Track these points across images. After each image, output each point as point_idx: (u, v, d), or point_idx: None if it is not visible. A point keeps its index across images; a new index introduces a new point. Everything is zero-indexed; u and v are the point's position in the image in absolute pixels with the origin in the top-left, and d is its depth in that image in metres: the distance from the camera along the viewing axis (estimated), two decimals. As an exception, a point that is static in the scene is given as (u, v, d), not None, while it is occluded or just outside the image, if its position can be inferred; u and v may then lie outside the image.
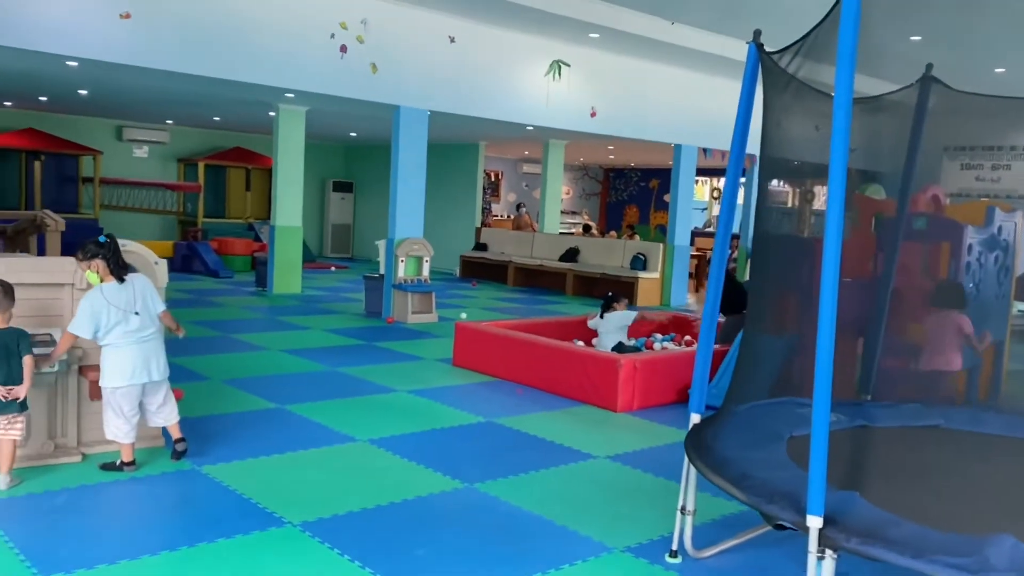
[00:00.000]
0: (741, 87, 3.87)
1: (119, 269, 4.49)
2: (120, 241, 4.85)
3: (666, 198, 23.59)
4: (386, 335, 9.61)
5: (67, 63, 9.32)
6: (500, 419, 6.09)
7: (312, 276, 15.42)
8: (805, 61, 3.59)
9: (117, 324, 4.44)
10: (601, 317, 8.45)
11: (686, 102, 13.91)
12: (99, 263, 4.45)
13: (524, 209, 18.68)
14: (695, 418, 3.92)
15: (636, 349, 8.32)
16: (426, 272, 10.95)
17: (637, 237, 18.43)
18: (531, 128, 13.62)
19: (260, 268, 13.21)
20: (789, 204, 5.06)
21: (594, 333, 8.49)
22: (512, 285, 15.95)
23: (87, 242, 4.54)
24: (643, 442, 5.70)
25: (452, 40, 10.88)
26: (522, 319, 8.65)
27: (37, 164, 16.18)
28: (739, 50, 12.37)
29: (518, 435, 5.72)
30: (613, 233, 19.57)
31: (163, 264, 5.05)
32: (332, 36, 9.86)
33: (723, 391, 7.01)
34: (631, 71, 13.06)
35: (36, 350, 4.38)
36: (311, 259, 18.06)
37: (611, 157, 20.63)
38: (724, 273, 3.95)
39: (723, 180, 4.15)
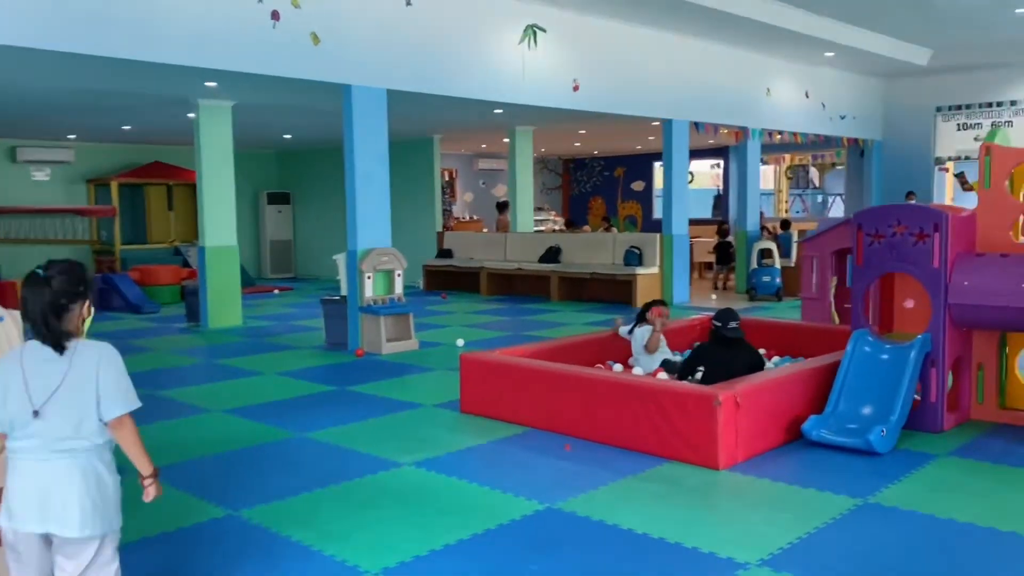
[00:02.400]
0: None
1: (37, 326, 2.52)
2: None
3: (634, 186, 21.89)
4: (360, 374, 7.54)
5: (-92, 52, 7.05)
6: (562, 503, 4.11)
7: (253, 303, 13.20)
8: None
9: (14, 418, 2.50)
10: (630, 332, 6.60)
11: (675, 71, 12.12)
12: None
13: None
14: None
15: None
16: (399, 289, 8.90)
17: (614, 230, 16.63)
18: (500, 112, 11.69)
19: (191, 299, 10.98)
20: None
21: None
22: (486, 294, 13.95)
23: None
24: (800, 524, 3.78)
25: (408, 2, 8.85)
26: (544, 342, 6.68)
27: (-89, 196, 13.60)
28: (739, 2, 10.61)
29: (604, 531, 3.75)
30: (587, 228, 17.74)
31: (11, 320, 2.95)
32: (260, 0, 7.76)
33: (842, 420, 5.19)
34: (616, 36, 11.19)
35: None
36: (249, 283, 15.78)
37: (577, 145, 18.77)
38: None
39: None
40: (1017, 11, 11.42)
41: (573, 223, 17.62)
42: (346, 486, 4.44)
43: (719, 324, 5.59)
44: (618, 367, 6.53)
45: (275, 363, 8.09)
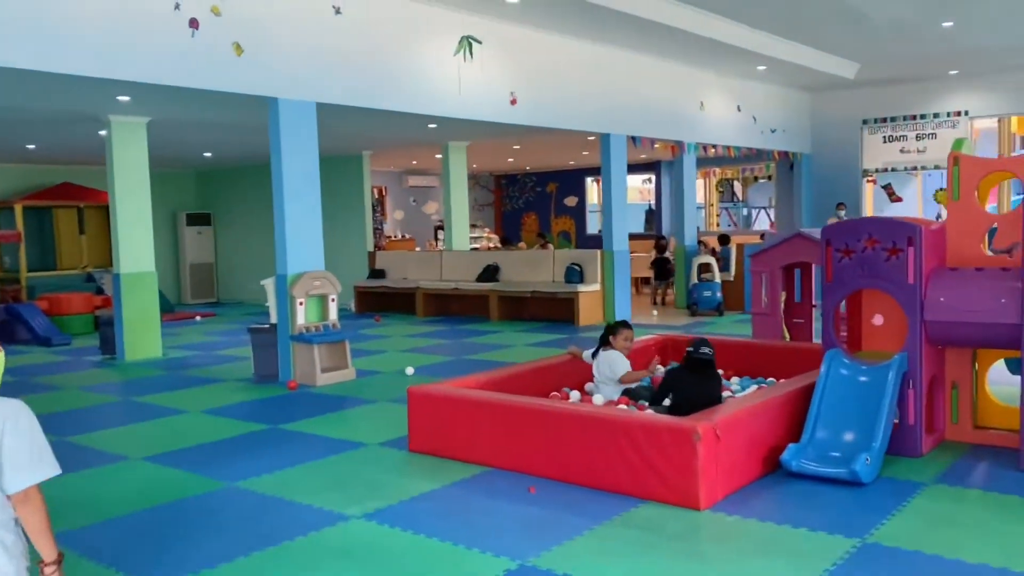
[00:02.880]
0: None
1: None
2: None
3: (567, 201, 21.69)
4: (294, 409, 6.96)
5: None
6: (535, 558, 3.67)
7: (173, 331, 12.41)
8: None
9: None
10: (594, 355, 6.18)
11: (613, 85, 11.89)
12: None
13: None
14: None
15: (648, 392, 6.11)
16: (334, 315, 8.34)
17: (550, 246, 16.35)
18: (434, 126, 11.26)
19: (105, 329, 10.18)
20: None
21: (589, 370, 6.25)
22: (423, 316, 13.45)
23: None
24: (801, 573, 3.41)
25: (337, 11, 8.36)
26: (496, 370, 6.20)
27: None
28: (675, 14, 10.43)
29: (588, 592, 3.33)
30: (522, 244, 17.41)
31: None
32: (177, 7, 7.16)
33: (821, 448, 4.89)
34: (553, 49, 10.90)
35: None
36: (169, 309, 14.92)
37: (510, 160, 18.44)
38: None
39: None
40: (944, 24, 11.56)
41: (508, 240, 17.25)
42: (287, 547, 3.91)
43: (691, 349, 5.25)
44: (575, 394, 6.13)
45: (199, 399, 7.44)
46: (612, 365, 5.99)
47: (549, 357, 6.62)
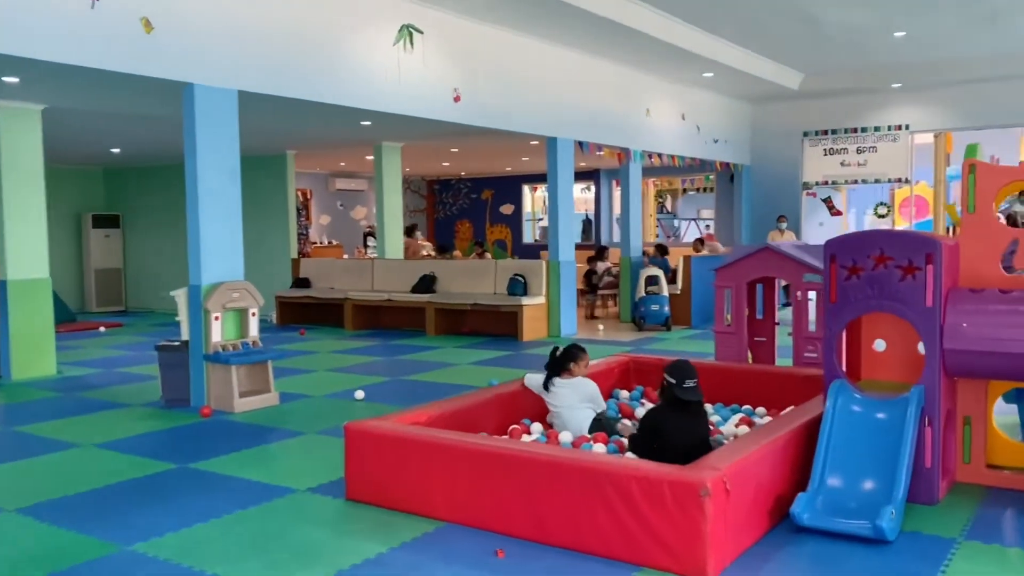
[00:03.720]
0: None
1: None
2: None
3: (503, 209, 20.98)
4: (207, 442, 5.99)
5: None
6: (518, 654, 2.88)
7: (71, 344, 11.18)
8: None
9: None
10: (547, 388, 5.41)
11: (561, 87, 11.24)
12: None
13: (418, 232, 15.08)
14: None
15: (615, 421, 5.42)
16: (254, 331, 7.37)
17: (488, 255, 15.60)
18: (368, 123, 10.38)
19: (-11, 344, 8.96)
20: None
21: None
22: (352, 329, 12.49)
23: None
24: None
25: (264, -11, 7.44)
26: (448, 400, 5.32)
27: None
28: (626, 11, 9.82)
29: None
30: (457, 253, 16.60)
31: None
32: (72, -28, 6.15)
33: (835, 498, 4.23)
34: (500, 45, 10.18)
35: None
36: (70, 319, 13.61)
37: (445, 164, 17.59)
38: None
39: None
40: (896, 34, 11.28)
41: (444, 248, 16.42)
42: (193, 644, 3.02)
43: (673, 382, 4.47)
44: (536, 427, 5.37)
45: (95, 429, 6.39)
46: (587, 388, 5.30)
47: (509, 383, 5.81)
